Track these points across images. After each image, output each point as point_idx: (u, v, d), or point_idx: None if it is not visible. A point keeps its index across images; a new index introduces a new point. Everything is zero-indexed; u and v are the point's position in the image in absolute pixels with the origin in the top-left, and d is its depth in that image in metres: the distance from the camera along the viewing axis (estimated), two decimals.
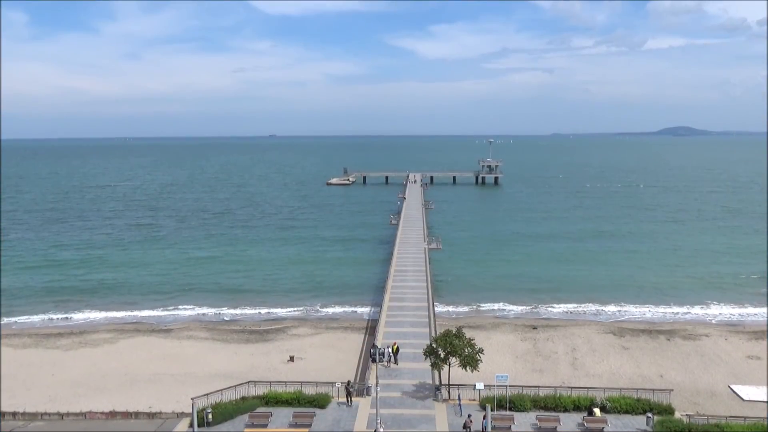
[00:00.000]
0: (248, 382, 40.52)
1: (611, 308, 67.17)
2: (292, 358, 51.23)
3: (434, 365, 39.25)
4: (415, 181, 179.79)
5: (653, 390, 39.21)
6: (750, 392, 44.71)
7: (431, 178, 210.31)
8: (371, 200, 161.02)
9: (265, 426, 35.81)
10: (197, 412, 35.69)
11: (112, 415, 38.49)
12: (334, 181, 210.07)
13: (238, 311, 66.86)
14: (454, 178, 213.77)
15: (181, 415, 38.12)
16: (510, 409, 37.48)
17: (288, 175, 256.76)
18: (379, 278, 75.35)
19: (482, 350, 39.52)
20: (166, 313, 66.64)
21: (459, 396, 37.66)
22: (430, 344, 40.29)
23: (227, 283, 77.64)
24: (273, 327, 60.78)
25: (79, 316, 65.08)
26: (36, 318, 64.30)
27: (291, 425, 35.79)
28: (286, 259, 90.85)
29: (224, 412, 36.48)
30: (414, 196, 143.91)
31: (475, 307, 67.27)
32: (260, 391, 39.22)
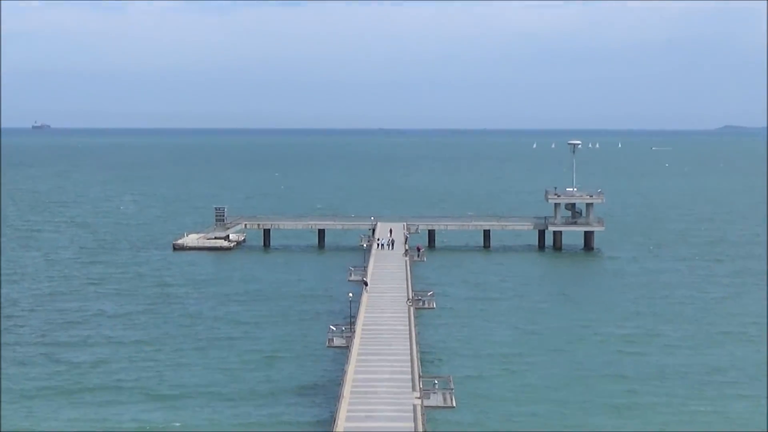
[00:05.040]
0: None
1: None
2: None
3: None
4: (391, 243, 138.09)
5: None
6: None
7: (430, 233, 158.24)
8: (282, 292, 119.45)
9: None
10: None
11: None
12: (190, 240, 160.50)
13: None
14: (487, 233, 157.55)
15: None
16: None
17: (79, 227, 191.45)
18: None
19: None
20: None
21: None
22: None
23: None
24: None
25: None
26: None
27: None
28: None
29: None
30: (389, 278, 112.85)
31: None
32: None
